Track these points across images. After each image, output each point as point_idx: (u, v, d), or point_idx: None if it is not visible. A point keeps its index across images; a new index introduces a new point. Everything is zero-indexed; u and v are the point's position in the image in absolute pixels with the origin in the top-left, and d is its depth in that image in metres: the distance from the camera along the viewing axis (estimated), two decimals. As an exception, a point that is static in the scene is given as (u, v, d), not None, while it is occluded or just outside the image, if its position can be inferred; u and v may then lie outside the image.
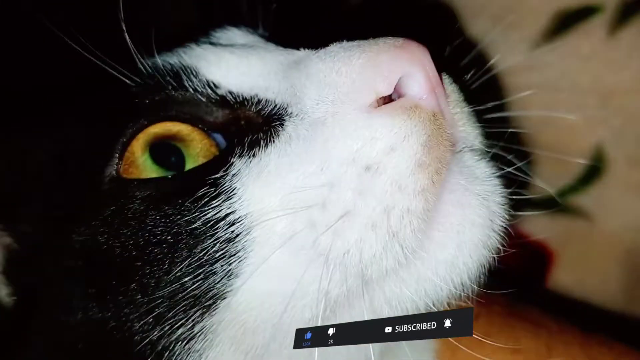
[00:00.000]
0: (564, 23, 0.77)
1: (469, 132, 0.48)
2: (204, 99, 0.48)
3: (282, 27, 0.57)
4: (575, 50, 0.77)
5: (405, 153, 0.42)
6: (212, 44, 0.53)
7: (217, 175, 0.46)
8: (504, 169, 0.49)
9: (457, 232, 0.44)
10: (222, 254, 0.44)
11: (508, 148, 0.54)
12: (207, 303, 0.45)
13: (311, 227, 0.43)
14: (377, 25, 0.51)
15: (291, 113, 0.46)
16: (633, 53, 0.76)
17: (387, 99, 0.45)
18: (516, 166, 0.49)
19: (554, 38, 0.78)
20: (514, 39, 0.79)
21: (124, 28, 0.47)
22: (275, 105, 0.47)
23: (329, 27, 0.56)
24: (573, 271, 0.82)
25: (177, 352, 0.45)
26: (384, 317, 0.46)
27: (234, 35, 0.55)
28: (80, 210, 0.48)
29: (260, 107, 0.48)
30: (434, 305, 0.46)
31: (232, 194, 0.45)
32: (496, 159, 0.50)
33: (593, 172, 0.78)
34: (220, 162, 0.47)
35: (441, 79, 0.46)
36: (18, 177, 0.56)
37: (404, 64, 0.43)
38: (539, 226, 0.80)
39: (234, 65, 0.49)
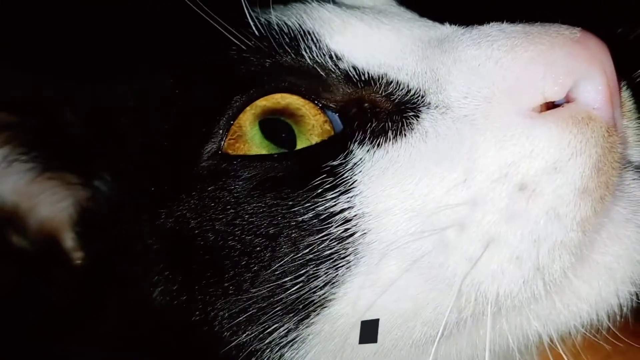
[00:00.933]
0: None
1: (637, 148, 0.40)
2: (323, 73, 0.41)
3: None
4: None
5: (571, 175, 0.36)
6: (335, 3, 0.45)
7: (336, 163, 0.40)
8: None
9: (608, 269, 0.39)
10: (330, 254, 0.39)
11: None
12: (306, 310, 0.40)
13: (443, 249, 0.37)
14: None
15: (429, 103, 0.40)
16: None
17: (551, 104, 0.37)
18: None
19: None
20: None
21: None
22: (409, 91, 0.41)
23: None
24: None
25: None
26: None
27: None
28: (172, 185, 0.43)
29: (390, 90, 0.41)
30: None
31: (351, 186, 0.40)
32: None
33: None
34: (338, 146, 0.40)
35: (619, 86, 0.38)
36: (98, 131, 0.50)
37: (582, 65, 0.36)
38: None
39: (363, 35, 0.43)
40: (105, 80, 0.52)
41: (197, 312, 0.42)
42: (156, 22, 0.50)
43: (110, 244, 0.49)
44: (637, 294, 0.41)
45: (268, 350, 0.41)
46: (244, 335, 0.41)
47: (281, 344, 0.41)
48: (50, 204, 0.52)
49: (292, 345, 0.41)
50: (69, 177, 0.51)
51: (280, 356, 0.41)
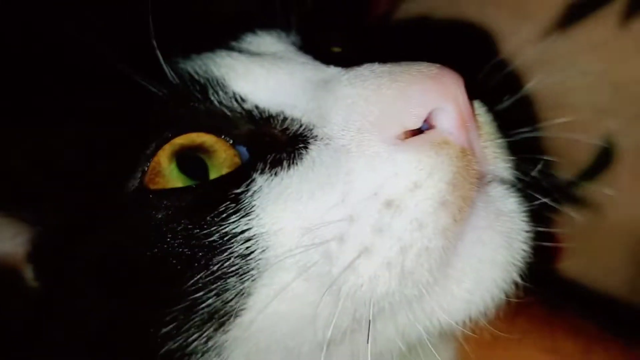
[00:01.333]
0: (576, 13, 0.76)
1: (498, 164, 0.46)
2: (229, 113, 0.48)
3: (314, 32, 0.55)
4: (586, 39, 0.76)
5: (429, 191, 0.42)
6: (241, 51, 0.52)
7: (239, 190, 0.46)
8: (532, 200, 0.47)
9: (475, 271, 0.44)
10: (236, 269, 0.45)
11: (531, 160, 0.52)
12: (221, 320, 0.45)
13: (327, 260, 0.43)
14: (408, 38, 0.49)
15: (316, 136, 0.46)
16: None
17: (418, 130, 0.43)
18: (545, 199, 0.48)
19: (565, 27, 0.77)
20: (524, 27, 0.78)
21: (152, 34, 0.46)
22: (301, 125, 0.47)
23: (360, 38, 0.54)
24: (579, 261, 0.80)
25: None
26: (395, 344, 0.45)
27: (265, 41, 0.54)
28: (101, 216, 0.49)
29: (286, 125, 0.47)
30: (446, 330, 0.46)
31: (250, 210, 0.45)
32: (526, 187, 0.49)
33: (602, 162, 0.77)
34: (243, 175, 0.46)
35: (473, 111, 0.44)
36: (41, 172, 0.56)
37: (436, 99, 0.42)
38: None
39: (263, 79, 0.49)
40: (39, 127, 0.58)
41: (130, 324, 0.48)
42: (79, 73, 0.56)
43: (57, 267, 0.54)
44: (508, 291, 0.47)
45: (193, 356, 0.46)
46: (173, 343, 0.46)
47: (203, 350, 0.46)
48: (8, 241, 0.58)
49: (213, 350, 0.46)
50: (22, 216, 0.57)
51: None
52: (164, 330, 0.46)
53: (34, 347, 0.56)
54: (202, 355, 0.46)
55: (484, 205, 0.44)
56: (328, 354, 0.45)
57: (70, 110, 0.55)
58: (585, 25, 0.76)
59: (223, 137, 0.48)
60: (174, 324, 0.46)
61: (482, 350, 0.52)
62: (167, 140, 0.47)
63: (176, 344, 0.46)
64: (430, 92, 0.42)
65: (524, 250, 0.45)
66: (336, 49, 0.55)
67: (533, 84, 0.68)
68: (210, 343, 0.46)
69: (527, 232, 0.46)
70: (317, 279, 0.43)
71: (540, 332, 0.59)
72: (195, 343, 0.46)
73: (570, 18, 0.76)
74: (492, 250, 0.44)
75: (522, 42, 0.76)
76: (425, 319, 0.44)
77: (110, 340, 0.50)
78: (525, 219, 0.46)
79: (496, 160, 0.46)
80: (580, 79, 0.75)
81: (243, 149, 0.49)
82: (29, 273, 0.57)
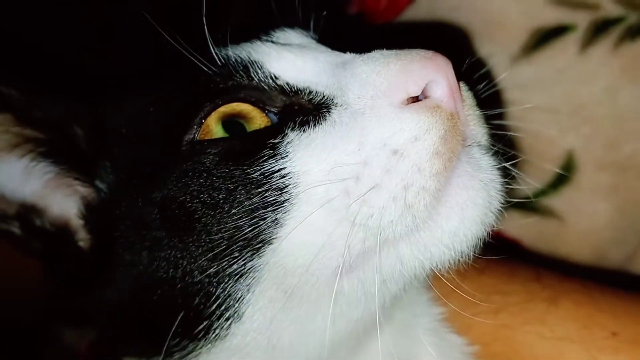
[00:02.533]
0: (541, 39, 0.86)
1: (478, 130, 0.59)
2: (266, 87, 0.60)
3: (330, 32, 0.68)
4: (551, 64, 0.86)
5: (426, 143, 0.53)
6: (273, 42, 0.65)
7: (275, 140, 0.57)
8: (501, 163, 0.60)
9: (460, 209, 0.55)
10: (272, 201, 0.55)
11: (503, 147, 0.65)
12: (257, 246, 0.55)
13: (345, 194, 0.54)
14: (408, 39, 0.62)
15: (336, 103, 0.58)
16: (602, 68, 0.86)
17: (415, 99, 0.56)
18: (511, 162, 0.60)
19: (532, 53, 0.87)
20: (495, 52, 0.88)
21: (206, 26, 0.59)
22: (324, 97, 0.59)
23: (369, 35, 0.67)
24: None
25: (229, 286, 0.57)
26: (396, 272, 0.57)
27: (291, 36, 0.67)
28: (159, 168, 0.60)
29: (312, 97, 0.59)
30: (437, 267, 0.57)
31: (285, 154, 0.56)
32: (496, 155, 0.61)
33: (564, 175, 0.86)
34: (277, 130, 0.58)
35: (459, 87, 0.57)
36: (100, 140, 0.67)
37: (431, 72, 0.55)
38: (511, 223, 0.88)
39: (292, 62, 0.61)
40: (103, 101, 0.70)
41: (180, 259, 0.58)
42: (141, 56, 0.68)
43: (112, 225, 0.64)
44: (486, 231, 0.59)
45: (231, 278, 0.56)
46: (213, 268, 0.56)
47: (241, 272, 0.56)
48: (62, 201, 0.67)
49: (249, 272, 0.56)
50: (81, 177, 0.67)
51: (240, 283, 0.56)
52: (210, 255, 0.56)
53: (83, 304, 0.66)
54: (238, 278, 0.56)
55: (467, 159, 0.57)
56: (341, 281, 0.56)
57: (132, 87, 0.66)
58: (549, 51, 0.87)
59: (260, 106, 0.59)
60: (218, 250, 0.56)
61: None
62: (217, 106, 0.59)
63: (217, 267, 0.56)
64: (427, 68, 0.55)
65: (498, 197, 0.57)
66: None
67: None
68: (247, 266, 0.56)
69: (499, 184, 0.58)
70: (336, 211, 0.54)
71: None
72: (235, 266, 0.56)
73: (535, 45, 0.87)
74: (473, 193, 0.55)
75: (497, 65, 0.87)
76: (421, 250, 0.55)
77: (164, 278, 0.59)
78: (498, 173, 0.59)
79: (476, 126, 0.59)
80: (546, 99, 0.86)
81: (274, 117, 0.60)
82: (81, 232, 0.67)
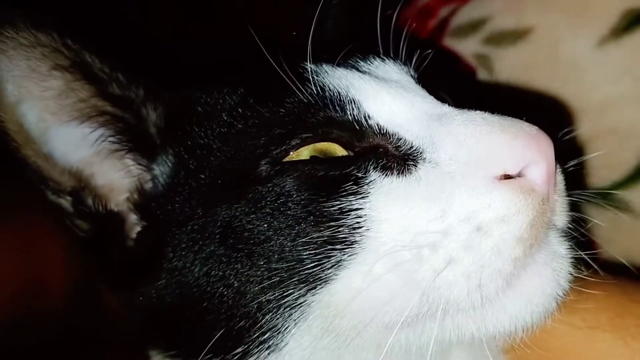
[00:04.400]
0: (634, 21, 0.81)
1: (561, 216, 0.57)
2: (357, 127, 0.57)
3: (430, 72, 0.65)
4: None
5: (513, 227, 0.52)
6: (370, 74, 0.62)
7: (360, 174, 0.55)
8: (577, 251, 0.58)
9: (528, 296, 0.54)
10: (343, 239, 0.53)
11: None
12: (315, 283, 0.54)
13: (418, 260, 0.52)
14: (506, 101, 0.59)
15: (425, 158, 0.55)
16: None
17: (508, 175, 0.54)
18: (588, 253, 0.58)
19: (622, 35, 0.82)
20: (582, 33, 0.85)
21: (310, 55, 0.56)
22: (412, 147, 0.56)
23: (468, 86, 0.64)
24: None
25: (277, 316, 0.55)
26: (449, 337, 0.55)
27: (390, 69, 0.64)
28: (232, 183, 0.58)
29: (400, 144, 0.57)
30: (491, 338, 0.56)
31: (365, 194, 0.55)
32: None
33: None
34: (360, 166, 0.56)
35: (556, 169, 0.55)
36: (171, 127, 0.65)
37: (534, 154, 0.52)
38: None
39: (387, 103, 0.59)
40: (183, 90, 0.67)
41: (232, 280, 0.56)
42: (231, 58, 0.66)
43: (164, 222, 0.62)
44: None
45: (281, 309, 0.54)
46: (266, 296, 0.55)
47: (292, 306, 0.54)
48: (110, 173, 0.65)
49: (299, 308, 0.54)
50: (139, 159, 0.66)
51: (288, 316, 0.55)
52: (266, 283, 0.55)
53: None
54: (288, 311, 0.55)
55: (546, 246, 0.55)
56: (391, 335, 0.54)
57: (213, 84, 0.64)
58: None
59: (348, 148, 0.57)
60: (275, 279, 0.55)
61: None
62: (308, 142, 0.56)
63: (270, 297, 0.55)
64: (530, 148, 0.53)
65: (565, 286, 0.55)
66: (441, 93, 0.65)
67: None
68: (299, 301, 0.54)
69: (570, 272, 0.56)
70: (403, 273, 0.52)
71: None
72: (288, 299, 0.55)
73: (626, 27, 0.82)
74: (544, 283, 0.54)
75: (579, 47, 0.84)
76: (479, 325, 0.54)
77: (213, 293, 0.58)
78: (571, 263, 0.57)
79: (560, 212, 0.57)
80: (631, 86, 0.82)
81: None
82: (130, 220, 0.65)
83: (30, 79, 0.61)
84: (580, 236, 0.60)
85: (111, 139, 0.64)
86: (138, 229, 0.65)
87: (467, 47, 0.96)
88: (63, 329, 0.87)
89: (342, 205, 0.54)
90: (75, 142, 0.63)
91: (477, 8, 0.96)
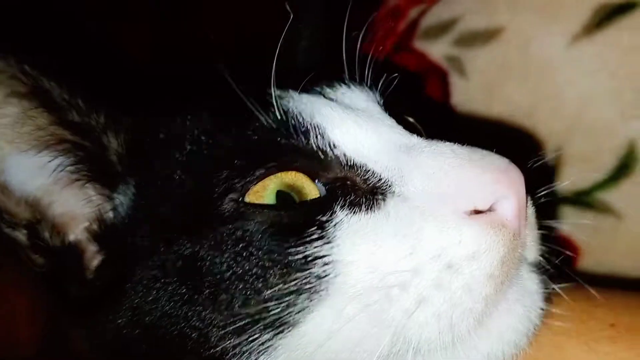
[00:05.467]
0: (606, 17, 0.80)
1: (532, 251, 0.56)
2: (322, 156, 0.55)
3: (396, 98, 0.64)
4: (616, 43, 0.79)
5: (484, 263, 0.50)
6: (336, 102, 0.60)
7: (324, 218, 0.53)
8: (547, 285, 0.57)
9: (499, 334, 0.53)
10: (309, 288, 0.52)
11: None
12: (281, 328, 0.52)
13: (387, 300, 0.50)
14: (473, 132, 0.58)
15: (394, 192, 0.54)
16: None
17: (478, 210, 0.52)
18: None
19: (594, 31, 0.80)
20: (554, 31, 0.83)
21: (274, 79, 0.54)
22: (380, 180, 0.55)
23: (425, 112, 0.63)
24: (598, 267, 0.83)
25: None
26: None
27: (356, 96, 0.62)
28: (194, 220, 0.56)
29: (367, 176, 0.55)
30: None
31: (332, 239, 0.52)
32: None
33: (623, 168, 0.80)
34: (326, 206, 0.54)
35: (526, 203, 0.54)
36: (133, 156, 0.62)
37: (504, 189, 0.51)
38: (566, 220, 0.83)
39: (354, 133, 0.56)
40: (144, 116, 0.65)
41: (195, 322, 0.54)
42: (195, 81, 0.63)
43: (123, 250, 0.60)
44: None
45: (246, 354, 0.53)
46: (230, 341, 0.53)
47: (259, 350, 0.52)
48: (69, 202, 0.63)
49: (265, 351, 0.52)
50: (100, 189, 0.63)
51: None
52: (230, 329, 0.53)
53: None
54: (256, 355, 0.53)
55: (516, 281, 0.54)
56: None
57: (175, 110, 0.62)
58: (615, 30, 0.79)
59: (313, 177, 0.55)
60: (240, 324, 0.53)
61: None
62: (273, 172, 0.54)
63: (235, 342, 0.53)
64: (501, 183, 0.51)
65: (536, 322, 0.54)
66: (408, 118, 0.64)
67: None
68: (266, 345, 0.53)
69: (541, 309, 0.55)
70: (373, 314, 0.51)
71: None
72: (253, 343, 0.53)
73: (598, 23, 0.80)
74: (515, 320, 0.53)
75: (552, 45, 0.83)
76: None
77: (172, 334, 0.56)
78: (542, 298, 0.55)
79: (531, 246, 0.56)
80: (607, 82, 0.81)
81: (322, 188, 0.56)
82: (89, 251, 0.63)
83: None
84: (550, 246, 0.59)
85: (70, 168, 0.61)
86: (98, 260, 0.63)
87: (437, 49, 0.95)
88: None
89: (307, 253, 0.52)
90: (33, 171, 0.61)
91: (447, 8, 0.94)
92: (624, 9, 0.79)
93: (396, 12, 1.03)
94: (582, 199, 0.80)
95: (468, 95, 0.93)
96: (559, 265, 0.60)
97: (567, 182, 0.76)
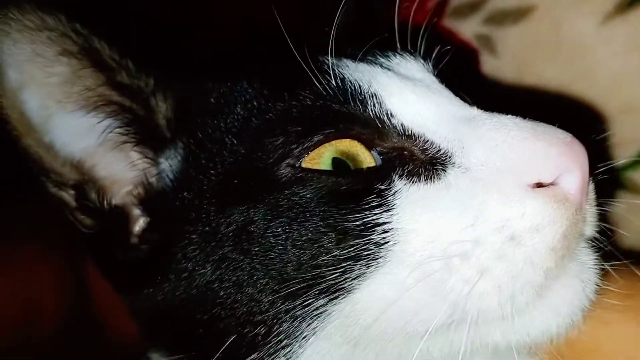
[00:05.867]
0: None
1: (591, 226, 0.55)
2: (380, 125, 0.55)
3: (449, 72, 0.63)
4: None
5: (546, 236, 0.50)
6: (392, 70, 0.59)
7: (383, 187, 0.53)
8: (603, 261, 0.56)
9: (557, 308, 0.53)
10: (367, 254, 0.51)
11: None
12: (336, 294, 0.52)
13: (447, 270, 0.50)
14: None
15: (454, 163, 0.53)
16: None
17: (541, 183, 0.52)
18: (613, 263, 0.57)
19: (627, 10, 0.80)
20: (585, 10, 0.82)
21: (332, 47, 0.53)
22: (440, 150, 0.54)
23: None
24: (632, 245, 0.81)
25: (295, 325, 0.53)
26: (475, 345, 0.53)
27: (412, 67, 0.61)
28: (248, 185, 0.55)
29: (426, 146, 0.54)
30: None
31: (392, 206, 0.52)
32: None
33: None
34: (384, 174, 0.54)
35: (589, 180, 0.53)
36: (182, 119, 0.62)
37: (569, 164, 0.51)
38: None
39: (412, 102, 0.56)
40: (194, 80, 0.64)
41: (247, 286, 0.54)
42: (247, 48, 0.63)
43: (172, 220, 0.59)
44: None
45: (299, 319, 0.52)
46: (284, 306, 0.52)
47: (311, 315, 0.52)
48: (113, 165, 0.62)
49: (319, 317, 0.52)
50: (147, 152, 0.63)
51: (307, 325, 0.52)
52: (283, 293, 0.53)
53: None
54: (307, 321, 0.53)
55: (575, 257, 0.53)
56: (416, 344, 0.52)
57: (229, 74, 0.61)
58: None
59: (370, 146, 0.54)
60: (293, 289, 0.52)
61: None
62: (330, 139, 0.54)
63: (288, 306, 0.52)
64: (566, 157, 0.51)
65: (592, 296, 0.54)
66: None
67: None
68: (319, 310, 0.52)
69: (597, 282, 0.55)
70: (432, 283, 0.50)
71: None
72: (308, 308, 0.52)
73: (631, 1, 0.79)
74: (573, 295, 0.53)
75: (583, 25, 0.82)
76: (507, 335, 0.52)
77: (225, 301, 0.55)
78: (598, 270, 0.55)
79: (590, 222, 0.55)
80: (639, 61, 0.80)
81: (378, 157, 0.55)
82: (135, 216, 0.62)
83: (34, 63, 0.58)
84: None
85: (118, 130, 0.61)
86: (142, 225, 0.62)
87: (468, 28, 0.94)
88: (58, 355, 0.83)
89: (366, 220, 0.51)
90: (79, 132, 0.60)
91: None
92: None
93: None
94: (615, 180, 0.79)
95: (499, 73, 0.92)
96: (609, 244, 0.59)
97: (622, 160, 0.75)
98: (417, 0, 0.93)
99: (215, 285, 0.55)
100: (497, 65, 0.92)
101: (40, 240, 0.87)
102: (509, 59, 0.91)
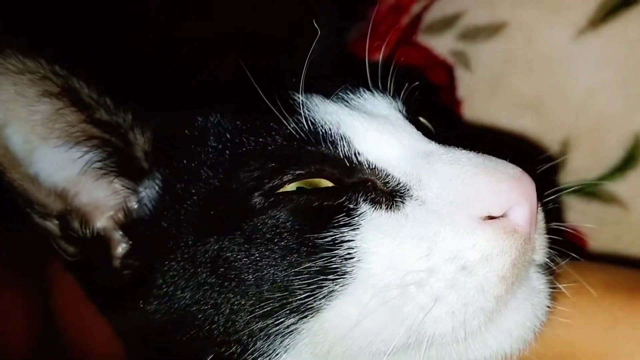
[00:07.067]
0: (612, 9, 0.80)
1: (540, 253, 0.59)
2: (348, 164, 0.59)
3: (416, 106, 0.67)
4: (621, 36, 0.80)
5: (496, 265, 0.54)
6: (359, 110, 0.63)
7: (351, 205, 0.57)
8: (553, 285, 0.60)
9: (509, 330, 0.56)
10: (335, 268, 0.55)
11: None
12: (305, 313, 0.56)
13: (404, 296, 0.54)
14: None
15: (412, 195, 0.57)
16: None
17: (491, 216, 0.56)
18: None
19: (600, 24, 0.81)
20: (557, 24, 0.83)
21: (302, 88, 0.57)
22: (399, 184, 0.58)
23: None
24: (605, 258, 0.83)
25: (269, 343, 0.57)
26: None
27: (379, 104, 0.65)
28: (222, 214, 0.59)
29: (387, 180, 0.58)
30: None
31: (357, 226, 0.56)
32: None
33: (630, 159, 0.80)
34: (350, 197, 0.58)
35: (537, 210, 0.57)
36: (159, 151, 0.65)
37: (518, 197, 0.54)
38: (573, 211, 0.84)
39: (376, 141, 0.60)
40: (172, 115, 0.68)
41: (223, 308, 0.57)
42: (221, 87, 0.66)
43: (149, 241, 0.63)
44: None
45: (271, 337, 0.56)
46: (258, 325, 0.56)
47: (283, 333, 0.56)
48: (95, 192, 0.66)
49: (290, 334, 0.56)
50: (126, 183, 0.66)
51: (279, 343, 0.56)
52: (257, 313, 0.56)
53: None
54: (279, 338, 0.56)
55: (525, 282, 0.57)
56: None
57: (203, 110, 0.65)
58: (620, 22, 0.79)
59: (339, 183, 0.58)
60: (267, 309, 0.56)
61: None
62: (299, 178, 0.58)
63: (262, 325, 0.56)
64: (515, 191, 0.54)
65: (543, 318, 0.58)
66: (423, 120, 0.67)
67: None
68: (290, 328, 0.56)
69: (548, 304, 0.59)
70: (391, 308, 0.54)
71: None
72: (279, 327, 0.56)
73: (604, 16, 0.80)
74: (524, 317, 0.57)
75: (556, 39, 0.83)
76: (461, 355, 0.56)
77: (202, 320, 0.59)
78: (548, 292, 0.59)
79: (539, 249, 0.59)
80: (613, 75, 0.81)
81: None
82: (117, 244, 0.66)
83: (17, 102, 0.61)
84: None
85: (98, 163, 0.64)
86: (124, 249, 0.65)
87: (442, 44, 0.96)
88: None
89: (335, 237, 0.55)
90: (62, 165, 0.64)
91: (450, 3, 0.95)
92: (630, 2, 0.80)
93: (398, 8, 1.04)
94: (588, 190, 0.82)
95: (473, 88, 0.95)
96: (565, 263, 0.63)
97: (572, 180, 0.78)
98: (387, 39, 0.97)
99: (194, 308, 0.59)
100: (472, 80, 0.94)
101: (10, 268, 0.88)
102: (484, 74, 0.93)
